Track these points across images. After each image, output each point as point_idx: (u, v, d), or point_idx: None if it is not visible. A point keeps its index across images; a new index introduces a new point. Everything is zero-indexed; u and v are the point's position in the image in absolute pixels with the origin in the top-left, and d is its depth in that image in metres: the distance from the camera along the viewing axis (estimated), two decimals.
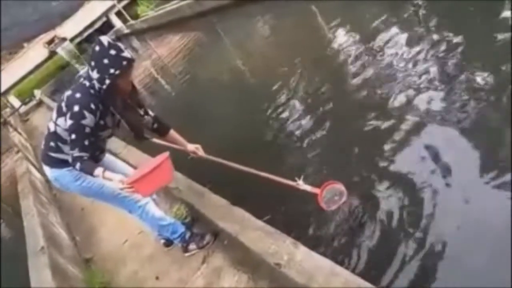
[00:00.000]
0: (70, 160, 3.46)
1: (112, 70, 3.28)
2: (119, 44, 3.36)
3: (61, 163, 3.73)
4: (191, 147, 4.20)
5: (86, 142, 3.42)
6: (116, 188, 3.77)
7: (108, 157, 4.16)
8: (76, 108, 3.35)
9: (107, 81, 3.32)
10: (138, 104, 3.86)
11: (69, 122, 3.38)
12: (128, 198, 3.94)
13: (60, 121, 3.53)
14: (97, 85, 3.36)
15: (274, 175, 3.88)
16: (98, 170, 3.39)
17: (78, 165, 3.41)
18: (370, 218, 4.06)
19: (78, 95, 3.41)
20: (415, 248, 3.52)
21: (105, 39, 3.31)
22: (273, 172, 3.85)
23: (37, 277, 4.27)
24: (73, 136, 3.39)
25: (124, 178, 3.37)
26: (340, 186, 3.78)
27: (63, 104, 3.48)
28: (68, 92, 3.49)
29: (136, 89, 3.80)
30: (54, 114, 3.60)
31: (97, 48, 3.29)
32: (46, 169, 3.88)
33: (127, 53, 3.33)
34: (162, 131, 4.11)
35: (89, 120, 3.38)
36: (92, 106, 3.39)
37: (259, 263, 3.49)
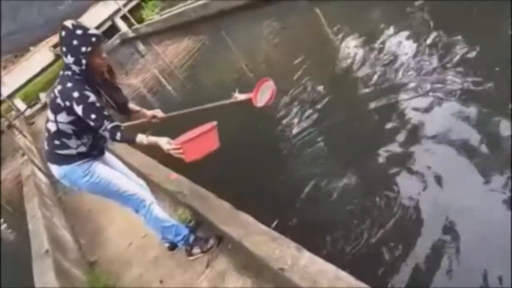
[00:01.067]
0: (108, 136, 3.48)
1: (84, 49, 3.34)
2: (83, 23, 3.41)
3: (69, 159, 3.76)
4: (150, 113, 4.23)
5: (106, 112, 3.49)
6: (122, 184, 3.86)
7: (110, 158, 4.23)
8: (76, 94, 3.40)
9: (83, 61, 3.38)
10: (115, 80, 3.90)
11: (80, 107, 3.41)
12: (134, 197, 3.98)
13: (61, 117, 3.56)
14: (77, 69, 3.42)
15: (212, 103, 3.96)
16: (140, 136, 3.46)
17: (118, 134, 3.45)
18: (374, 222, 4.06)
19: (69, 84, 3.45)
20: (420, 252, 3.50)
21: (68, 22, 3.36)
22: (277, 178, 3.85)
23: (41, 280, 4.28)
24: (93, 116, 3.43)
25: (171, 140, 3.44)
26: (268, 82, 3.79)
27: (58, 101, 3.50)
28: (58, 88, 3.52)
29: (112, 68, 3.82)
30: (51, 114, 3.61)
31: (63, 33, 3.37)
32: (54, 168, 3.89)
33: (93, 30, 3.40)
34: (122, 109, 4.05)
35: (93, 97, 3.44)
36: (86, 87, 3.45)
37: (263, 268, 3.49)
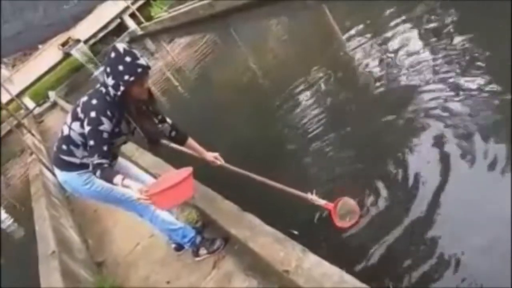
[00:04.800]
0: (90, 167, 3.44)
1: (126, 77, 3.29)
2: (135, 51, 3.37)
3: (71, 166, 3.76)
4: (210, 156, 4.16)
5: (105, 148, 3.42)
6: (125, 192, 3.81)
7: (121, 162, 4.18)
8: (92, 114, 3.38)
9: (122, 88, 3.33)
10: (155, 111, 3.86)
11: (87, 128, 3.41)
12: (138, 202, 3.94)
13: (75, 125, 3.57)
14: (112, 92, 3.38)
15: (288, 187, 3.86)
16: (118, 178, 3.36)
17: (98, 172, 3.39)
18: (380, 225, 4.03)
19: (94, 101, 3.43)
20: (425, 254, 3.47)
21: (120, 46, 3.33)
22: (288, 176, 3.81)
23: (47, 281, 4.29)
24: (92, 143, 3.40)
25: (143, 187, 3.34)
26: (353, 204, 3.74)
27: (78, 110, 3.51)
28: (84, 98, 3.52)
29: (154, 96, 3.82)
30: (69, 118, 3.63)
31: (112, 54, 3.32)
32: (57, 172, 3.91)
33: (142, 60, 3.34)
34: (179, 140, 4.10)
35: (106, 125, 3.39)
36: (108, 112, 3.41)
37: (269, 269, 3.48)
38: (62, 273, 4.32)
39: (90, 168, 3.45)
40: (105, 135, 3.41)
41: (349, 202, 3.73)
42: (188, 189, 3.45)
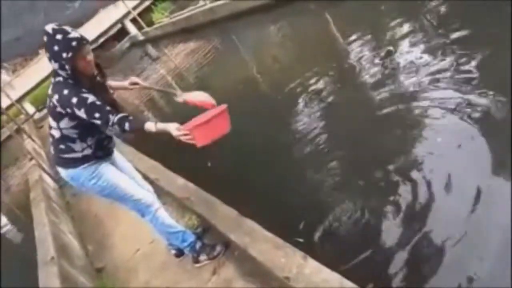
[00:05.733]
0: (117, 129, 3.40)
1: (64, 55, 3.28)
2: (65, 27, 3.34)
3: (75, 162, 3.75)
4: (127, 82, 4.22)
5: (108, 108, 3.41)
6: (129, 189, 3.88)
7: (119, 156, 4.23)
8: (74, 99, 3.35)
9: (67, 67, 3.33)
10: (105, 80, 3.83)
11: (82, 111, 3.36)
12: (141, 202, 3.96)
13: (63, 123, 3.56)
14: (64, 74, 3.39)
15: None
16: (150, 124, 3.34)
17: (127, 125, 3.34)
18: (380, 229, 4.03)
19: (65, 91, 3.40)
20: (426, 258, 3.48)
21: (49, 27, 3.31)
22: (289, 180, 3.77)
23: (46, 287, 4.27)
24: (97, 115, 3.36)
25: (180, 126, 3.32)
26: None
27: (59, 109, 3.47)
28: (55, 97, 3.46)
29: (101, 67, 3.73)
30: (53, 122, 3.61)
31: (45, 38, 3.30)
32: (61, 171, 3.89)
33: (74, 33, 3.31)
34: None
35: (92, 97, 3.38)
36: (83, 89, 3.41)
37: (269, 276, 3.46)
38: (61, 279, 4.30)
39: (117, 129, 3.39)
40: (98, 102, 3.38)
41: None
42: (226, 124, 3.52)
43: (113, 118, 3.35)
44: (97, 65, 3.63)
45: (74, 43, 3.29)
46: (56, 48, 3.27)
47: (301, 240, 4.24)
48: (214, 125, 3.39)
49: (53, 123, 3.61)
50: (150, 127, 3.33)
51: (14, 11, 6.03)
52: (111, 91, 3.89)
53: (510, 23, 5.14)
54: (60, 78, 3.45)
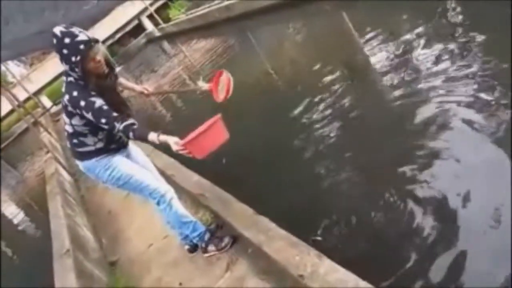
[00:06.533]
0: (123, 136, 3.56)
1: (73, 58, 3.32)
2: (73, 29, 3.34)
3: (89, 155, 3.86)
4: (139, 88, 4.31)
5: (115, 114, 3.47)
6: (144, 178, 3.95)
7: (134, 148, 4.29)
8: (82, 102, 3.43)
9: (77, 69, 3.37)
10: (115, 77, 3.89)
11: (89, 114, 3.46)
12: (156, 191, 4.01)
13: (75, 121, 3.64)
14: (75, 75, 3.43)
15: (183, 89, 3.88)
16: (152, 135, 3.40)
17: (131, 134, 3.44)
18: (395, 231, 4.03)
19: (75, 93, 3.47)
20: (445, 263, 3.45)
21: (57, 29, 3.32)
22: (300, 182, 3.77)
23: (61, 280, 4.30)
24: (103, 120, 3.45)
25: (178, 140, 3.36)
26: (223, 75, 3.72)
27: (70, 108, 3.55)
28: (66, 96, 3.53)
29: (112, 67, 3.77)
30: (66, 118, 3.69)
31: (54, 41, 3.32)
32: (78, 163, 4.01)
33: (82, 36, 3.33)
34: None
35: (99, 101, 3.46)
36: (92, 92, 3.47)
37: (283, 274, 3.44)
38: (76, 271, 4.33)
39: (123, 135, 3.53)
40: (105, 107, 3.45)
41: (223, 77, 3.72)
42: (222, 133, 3.56)
43: (119, 126, 3.44)
44: (107, 64, 3.65)
45: (81, 46, 3.32)
46: (65, 51, 3.31)
47: (319, 238, 4.24)
48: (209, 137, 3.43)
49: (66, 120, 3.70)
50: (153, 138, 3.40)
51: (37, 7, 6.10)
52: (120, 89, 3.95)
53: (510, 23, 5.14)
54: (72, 79, 3.51)
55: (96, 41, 3.44)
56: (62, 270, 4.47)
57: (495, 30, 5.72)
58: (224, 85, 3.84)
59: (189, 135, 3.58)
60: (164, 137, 3.39)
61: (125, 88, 4.37)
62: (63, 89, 3.60)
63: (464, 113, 4.75)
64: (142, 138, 3.49)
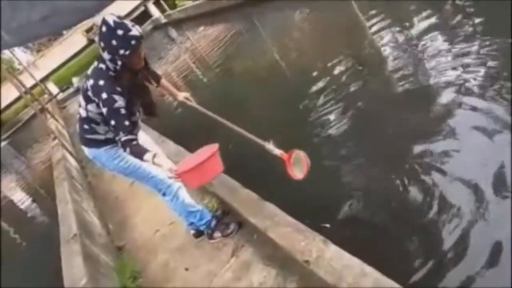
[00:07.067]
0: (119, 145, 3.51)
1: (122, 51, 3.29)
2: (126, 21, 3.31)
3: (98, 143, 3.87)
4: (181, 96, 4.26)
5: (127, 123, 3.46)
6: (151, 169, 3.93)
7: (143, 136, 4.25)
8: (104, 95, 3.41)
9: (119, 62, 3.35)
10: (150, 72, 3.89)
11: (104, 109, 3.45)
12: (162, 181, 4.03)
13: (91, 107, 3.61)
14: (111, 66, 3.40)
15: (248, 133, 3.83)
16: (148, 156, 3.39)
17: (128, 149, 3.45)
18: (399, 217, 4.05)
19: (101, 82, 3.44)
20: (448, 249, 3.46)
21: (110, 18, 3.27)
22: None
23: (68, 264, 4.33)
24: (113, 122, 3.45)
25: (173, 167, 3.35)
26: (304, 156, 3.67)
27: (89, 93, 3.53)
28: (90, 81, 3.51)
29: (148, 63, 3.77)
30: (83, 101, 3.66)
31: (103, 28, 3.28)
32: (85, 150, 4.01)
33: (135, 31, 3.30)
34: (155, 80, 4.06)
35: (120, 102, 3.43)
36: (118, 88, 3.45)
37: (288, 260, 3.47)
38: (83, 256, 4.35)
39: (119, 145, 3.51)
40: (122, 111, 3.44)
41: (300, 154, 3.67)
42: (217, 166, 3.53)
43: (121, 136, 3.44)
44: (144, 60, 3.65)
45: (133, 42, 3.29)
46: (114, 42, 3.26)
47: (327, 225, 4.25)
48: (205, 169, 3.40)
49: (83, 103, 3.67)
50: (148, 159, 3.39)
51: None
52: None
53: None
54: (103, 66, 3.47)
55: (143, 37, 3.43)
56: (69, 254, 4.49)
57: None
58: (302, 165, 3.73)
59: (184, 163, 3.57)
60: (158, 161, 3.36)
61: (166, 91, 4.34)
62: (89, 72, 3.60)
63: (474, 98, 4.75)
64: (137, 157, 3.48)
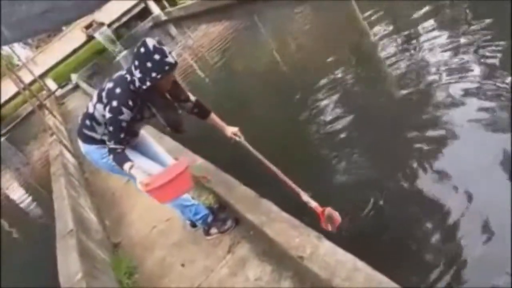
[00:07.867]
0: (106, 149, 3.65)
1: (154, 74, 3.33)
2: (164, 48, 3.35)
3: (92, 140, 3.97)
4: (229, 131, 4.17)
5: (122, 135, 3.56)
6: (142, 167, 3.90)
7: (144, 139, 4.34)
8: (114, 103, 3.48)
9: (148, 83, 3.37)
10: (177, 95, 3.91)
11: (108, 115, 3.52)
12: None
13: (99, 106, 3.68)
14: (137, 83, 3.43)
15: (291, 181, 3.82)
16: (127, 166, 3.55)
17: (111, 156, 3.60)
18: (394, 215, 4.07)
19: (118, 90, 3.51)
20: (441, 245, 3.51)
21: (151, 41, 3.33)
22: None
23: (64, 260, 4.33)
24: (111, 129, 3.55)
25: (145, 180, 3.44)
26: (336, 215, 3.68)
27: (103, 94, 3.60)
28: (109, 84, 3.59)
29: (178, 83, 3.85)
30: (95, 98, 3.74)
31: (142, 49, 3.32)
32: (80, 143, 4.11)
33: (170, 58, 3.34)
34: (202, 115, 4.15)
35: (126, 115, 3.51)
36: (130, 102, 3.50)
37: (283, 255, 3.50)
38: (79, 251, 4.36)
39: (107, 150, 3.66)
40: (123, 124, 3.53)
41: (332, 212, 3.68)
42: (186, 183, 3.58)
43: (110, 144, 3.58)
44: (174, 80, 3.72)
45: (167, 68, 3.34)
46: (149, 64, 3.30)
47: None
48: (175, 186, 3.45)
49: (94, 99, 3.74)
50: (126, 168, 3.55)
51: None
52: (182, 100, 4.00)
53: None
54: (128, 77, 3.51)
55: (177, 64, 3.47)
56: (65, 250, 4.50)
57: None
58: (333, 221, 3.72)
59: (156, 179, 3.57)
60: (134, 171, 3.53)
61: (213, 124, 4.25)
62: (114, 76, 3.68)
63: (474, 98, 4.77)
64: (118, 164, 3.61)
